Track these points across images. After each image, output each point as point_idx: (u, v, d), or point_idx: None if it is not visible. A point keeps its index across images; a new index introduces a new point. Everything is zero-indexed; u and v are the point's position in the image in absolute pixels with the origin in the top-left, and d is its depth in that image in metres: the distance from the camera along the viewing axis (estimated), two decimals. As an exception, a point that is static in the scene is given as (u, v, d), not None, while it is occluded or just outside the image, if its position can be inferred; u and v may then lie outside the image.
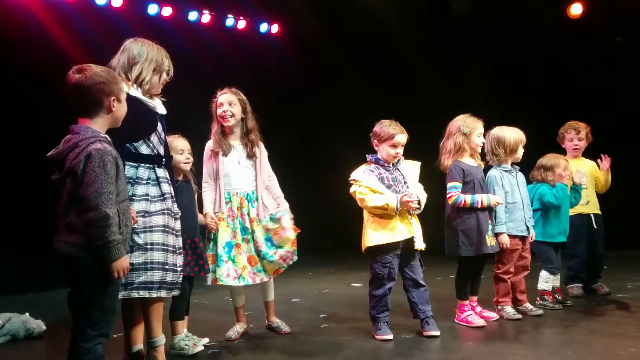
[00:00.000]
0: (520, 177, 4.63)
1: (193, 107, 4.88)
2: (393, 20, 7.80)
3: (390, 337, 3.98)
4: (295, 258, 4.13)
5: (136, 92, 3.25)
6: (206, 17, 7.66)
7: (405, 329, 4.16)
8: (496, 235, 4.38)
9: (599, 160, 5.31)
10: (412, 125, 4.30)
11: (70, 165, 2.61)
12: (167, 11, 7.24)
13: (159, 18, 7.19)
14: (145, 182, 3.25)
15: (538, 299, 4.79)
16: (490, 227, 4.33)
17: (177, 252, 3.31)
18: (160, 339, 3.35)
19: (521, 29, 7.63)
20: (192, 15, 7.55)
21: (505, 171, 4.54)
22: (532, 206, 4.67)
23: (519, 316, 4.44)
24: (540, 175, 4.81)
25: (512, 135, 4.54)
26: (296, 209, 4.30)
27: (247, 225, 4.06)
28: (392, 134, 4.06)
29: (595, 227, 5.26)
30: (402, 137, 4.09)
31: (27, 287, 5.83)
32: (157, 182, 3.28)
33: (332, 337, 4.12)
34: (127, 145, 3.22)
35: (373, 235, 4.00)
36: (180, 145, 3.84)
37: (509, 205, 4.47)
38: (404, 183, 4.12)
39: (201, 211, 4.07)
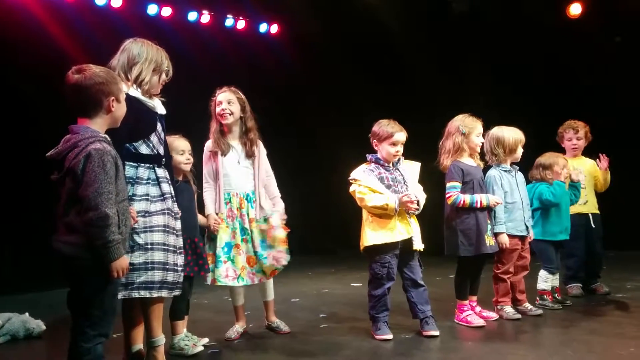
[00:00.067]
0: (520, 177, 4.63)
1: (193, 107, 4.88)
2: (393, 20, 7.80)
3: (390, 337, 3.98)
4: (288, 257, 4.09)
5: (136, 92, 3.26)
6: (206, 17, 7.66)
7: (404, 329, 4.16)
8: (495, 235, 4.38)
9: (597, 160, 5.32)
10: (412, 125, 4.30)
11: (70, 165, 2.62)
12: (166, 11, 7.24)
13: (158, 18, 7.19)
14: (145, 182, 3.25)
15: (537, 298, 4.79)
16: (489, 227, 4.33)
17: (178, 252, 3.31)
18: (160, 339, 3.35)
19: (521, 29, 7.63)
20: (192, 16, 7.55)
21: (505, 171, 4.55)
22: (531, 205, 4.67)
23: (519, 316, 4.44)
24: (539, 174, 4.81)
25: (512, 135, 4.55)
26: (296, 209, 4.31)
27: (247, 225, 4.06)
28: (391, 133, 4.06)
29: (593, 226, 5.26)
30: (401, 135, 4.09)
31: (27, 287, 5.83)
32: (157, 182, 3.28)
33: (332, 337, 4.13)
34: (127, 145, 3.22)
35: (372, 235, 4.00)
36: (181, 146, 3.84)
37: (508, 205, 4.47)
38: (404, 183, 4.12)
39: (201, 211, 4.07)
